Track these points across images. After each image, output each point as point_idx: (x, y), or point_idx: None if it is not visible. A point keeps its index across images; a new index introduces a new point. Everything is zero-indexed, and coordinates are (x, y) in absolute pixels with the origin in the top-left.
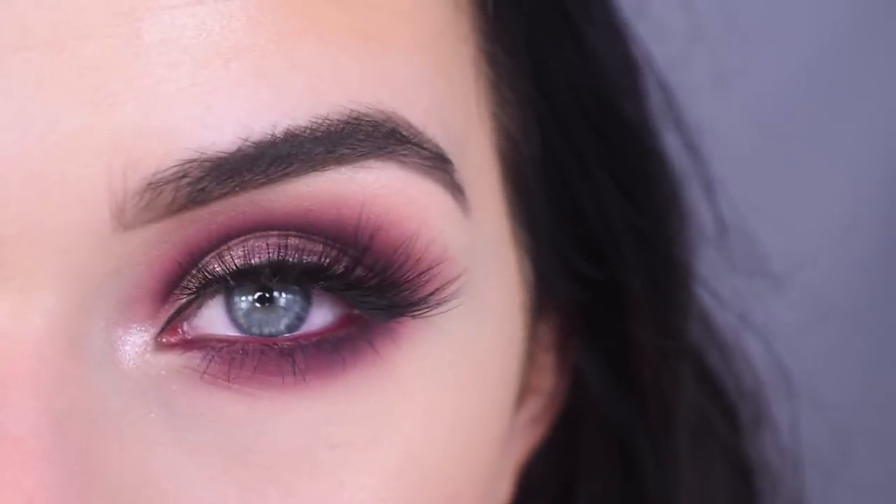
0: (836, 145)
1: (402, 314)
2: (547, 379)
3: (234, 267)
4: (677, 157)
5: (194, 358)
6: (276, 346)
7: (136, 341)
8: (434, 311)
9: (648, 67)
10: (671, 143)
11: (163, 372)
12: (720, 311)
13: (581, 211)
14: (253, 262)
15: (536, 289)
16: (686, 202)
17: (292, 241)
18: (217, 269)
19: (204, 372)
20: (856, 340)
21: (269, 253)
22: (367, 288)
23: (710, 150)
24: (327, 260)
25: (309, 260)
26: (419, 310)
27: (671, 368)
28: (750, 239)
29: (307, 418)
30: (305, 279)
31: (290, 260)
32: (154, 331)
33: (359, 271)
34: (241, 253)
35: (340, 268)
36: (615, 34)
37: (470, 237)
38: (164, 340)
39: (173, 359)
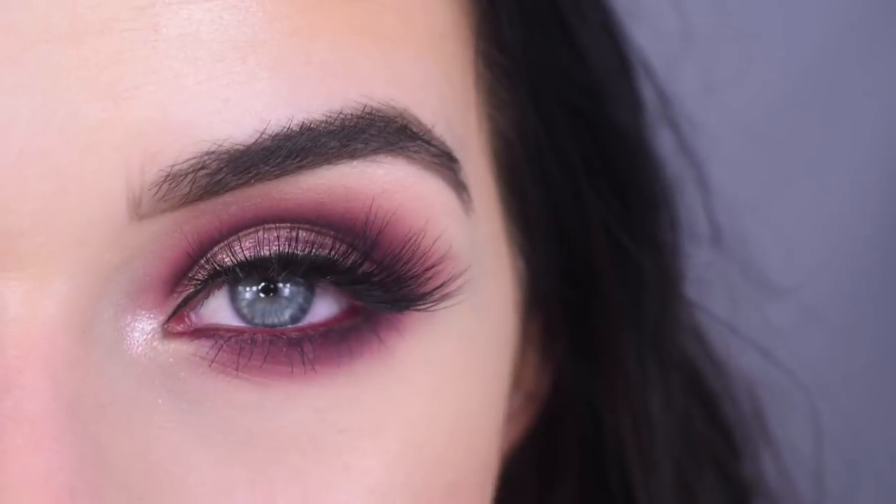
0: (834, 148)
1: (407, 307)
2: (529, 377)
3: (244, 258)
4: (672, 161)
5: (203, 346)
6: (284, 337)
7: (144, 328)
8: (438, 306)
9: (644, 70)
10: (665, 147)
11: (171, 359)
12: (713, 320)
13: (570, 213)
14: (262, 253)
15: (528, 287)
16: (678, 207)
17: (303, 234)
18: (226, 261)
19: (213, 360)
20: (853, 345)
21: (278, 245)
22: (374, 283)
23: (704, 155)
24: (336, 254)
25: (319, 253)
26: (423, 304)
27: (652, 374)
28: (745, 244)
29: (315, 405)
30: (313, 273)
31: (300, 253)
32: (162, 318)
33: (366, 266)
34: (250, 244)
35: (349, 262)
36: (608, 35)
37: (471, 235)
38: (171, 328)
39: (181, 346)
